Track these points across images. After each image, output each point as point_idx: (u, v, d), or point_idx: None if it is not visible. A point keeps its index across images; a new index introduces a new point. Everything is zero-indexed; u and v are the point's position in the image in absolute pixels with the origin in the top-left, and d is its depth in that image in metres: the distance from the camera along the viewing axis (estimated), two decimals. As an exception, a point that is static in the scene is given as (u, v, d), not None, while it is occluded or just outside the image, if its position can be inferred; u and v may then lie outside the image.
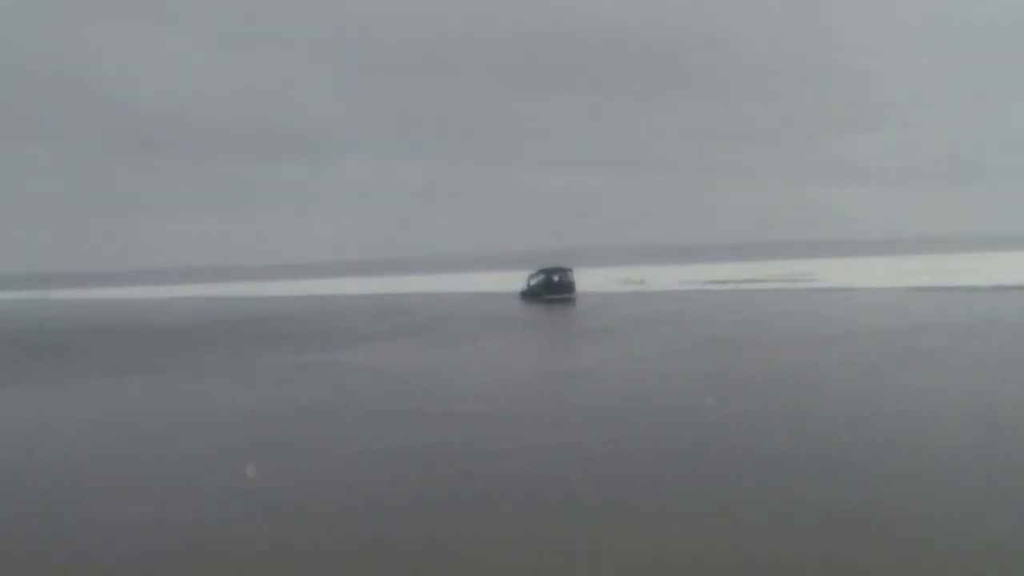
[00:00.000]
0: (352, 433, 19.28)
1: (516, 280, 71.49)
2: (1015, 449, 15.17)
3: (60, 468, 17.25)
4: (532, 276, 70.30)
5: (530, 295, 67.40)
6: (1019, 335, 33.19)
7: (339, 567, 11.15)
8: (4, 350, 44.13)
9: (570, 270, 70.86)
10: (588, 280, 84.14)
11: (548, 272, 70.19)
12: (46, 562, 11.78)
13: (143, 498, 14.41)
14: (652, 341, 35.42)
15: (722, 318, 45.00)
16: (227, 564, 11.38)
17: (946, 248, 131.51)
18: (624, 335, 38.13)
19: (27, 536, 12.94)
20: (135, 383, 29.59)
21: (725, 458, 15.49)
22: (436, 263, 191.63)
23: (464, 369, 30.12)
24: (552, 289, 67.56)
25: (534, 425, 19.05)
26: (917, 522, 11.68)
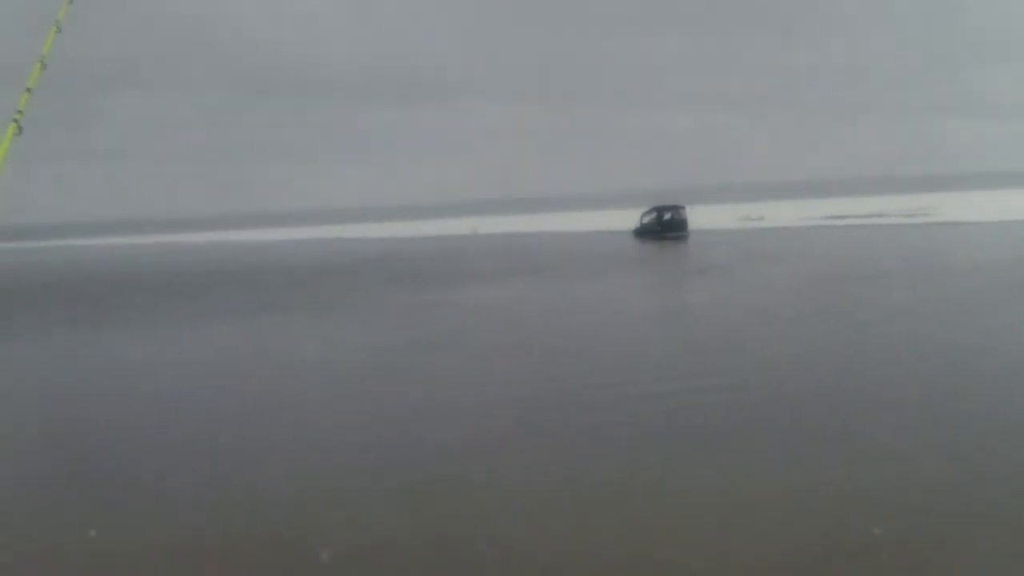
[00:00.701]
0: (475, 369, 20.69)
1: (631, 219, 71.73)
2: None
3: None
4: (644, 214, 70.25)
5: (643, 233, 67.68)
6: None
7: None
8: (150, 293, 46.35)
9: (682, 207, 70.39)
10: (707, 217, 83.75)
11: (660, 210, 69.91)
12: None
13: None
14: (757, 278, 36.15)
15: (833, 253, 45.37)
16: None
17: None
18: (730, 272, 38.86)
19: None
20: (281, 322, 31.75)
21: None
22: (558, 203, 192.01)
23: (571, 307, 31.04)
24: (664, 226, 67.26)
25: (642, 365, 19.96)
26: None
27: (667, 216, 68.78)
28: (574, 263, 48.40)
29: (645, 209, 71.88)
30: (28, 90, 8.45)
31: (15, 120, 7.85)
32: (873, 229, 63.77)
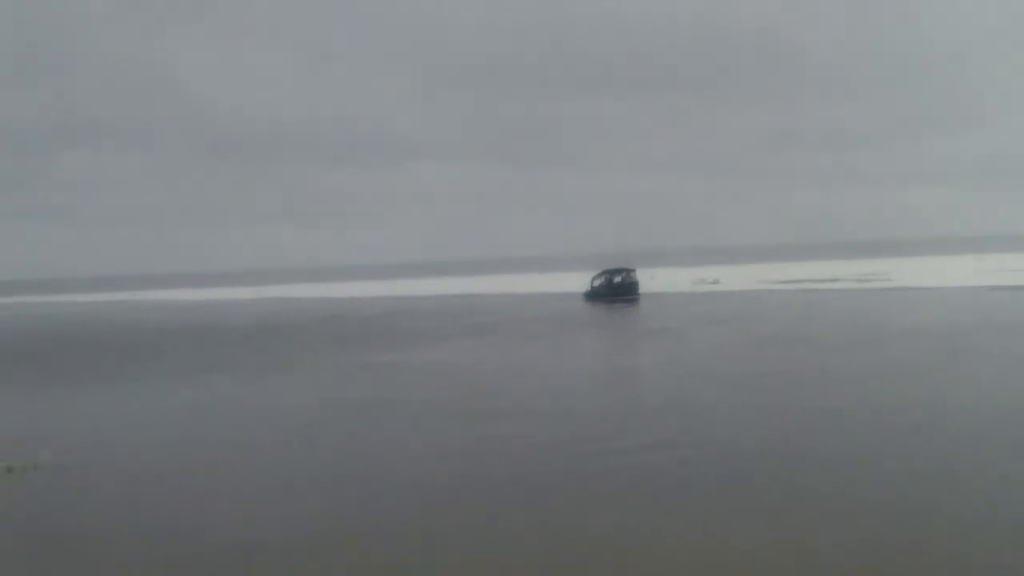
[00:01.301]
0: (416, 427, 20.69)
1: (584, 281, 71.72)
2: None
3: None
4: (595, 277, 70.50)
5: (594, 296, 67.67)
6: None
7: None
8: (99, 350, 45.42)
9: (633, 271, 70.96)
10: (661, 280, 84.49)
11: (611, 273, 70.47)
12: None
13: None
14: (708, 341, 35.94)
15: (784, 317, 45.32)
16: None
17: (1015, 247, 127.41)
18: (680, 335, 38.74)
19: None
20: (215, 381, 31.15)
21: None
22: (508, 264, 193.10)
23: (522, 368, 31.03)
24: (615, 290, 67.67)
25: (589, 422, 20.21)
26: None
27: (617, 279, 69.26)
28: (523, 325, 48.15)
29: (596, 272, 72.05)
30: None
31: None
32: (827, 293, 64.03)
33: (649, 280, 76.05)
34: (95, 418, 24.76)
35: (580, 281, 72.94)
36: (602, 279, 69.71)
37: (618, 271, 70.92)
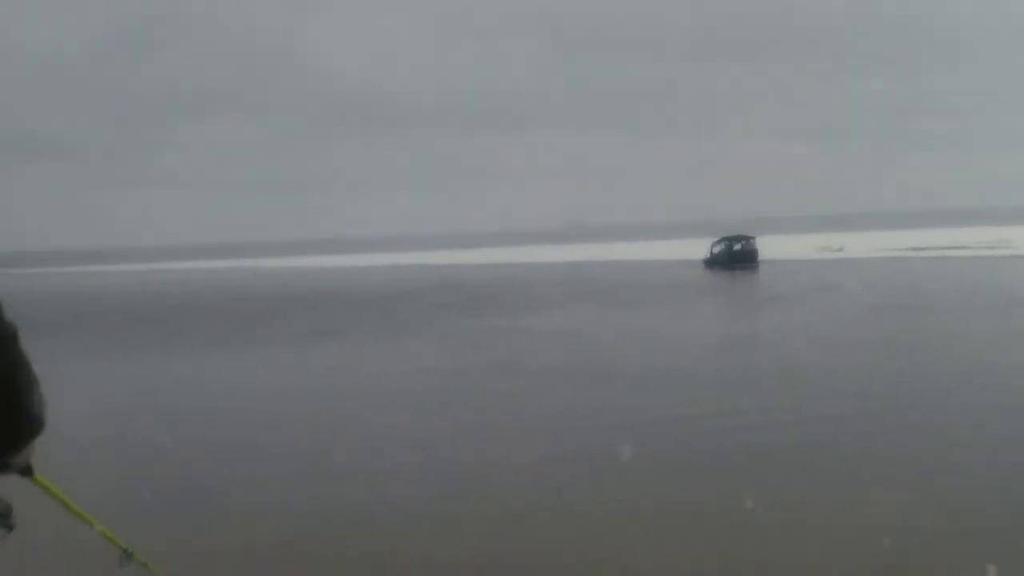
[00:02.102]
0: (545, 390, 21.18)
1: (703, 248, 72.06)
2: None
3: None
4: (715, 244, 70.86)
5: (713, 263, 68.26)
6: None
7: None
8: (233, 317, 47.75)
9: (752, 238, 71.19)
10: (784, 247, 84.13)
11: (730, 240, 70.91)
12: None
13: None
14: (827, 307, 36.51)
15: (908, 284, 45.40)
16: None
17: None
18: (800, 301, 39.40)
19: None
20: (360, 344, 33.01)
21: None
22: (628, 232, 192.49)
23: (641, 333, 31.77)
24: (734, 257, 68.17)
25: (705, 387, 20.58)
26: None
27: (737, 247, 69.85)
28: (642, 291, 48.92)
29: (715, 239, 72.44)
30: None
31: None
32: (954, 261, 63.50)
33: (772, 247, 76.19)
34: (234, 382, 26.32)
35: (700, 248, 73.35)
36: (722, 246, 70.20)
37: (738, 238, 71.29)
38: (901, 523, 10.92)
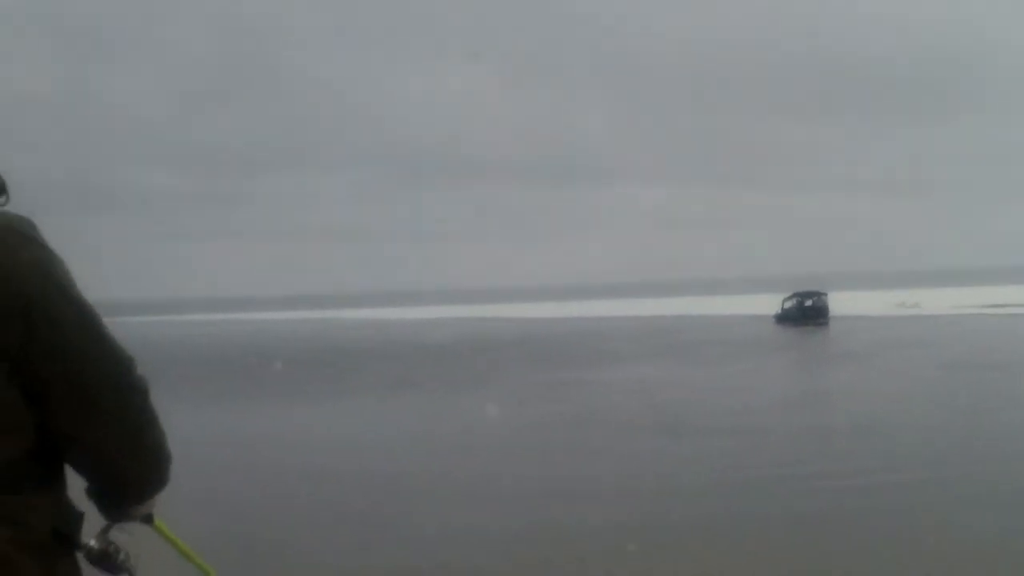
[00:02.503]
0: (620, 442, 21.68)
1: (775, 304, 72.00)
2: None
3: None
4: (786, 299, 70.77)
5: (784, 319, 68.27)
6: None
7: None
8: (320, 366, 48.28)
9: (824, 294, 70.91)
10: (859, 304, 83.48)
11: (801, 296, 70.71)
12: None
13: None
14: (899, 366, 36.50)
15: (984, 343, 45.15)
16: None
17: None
18: (872, 359, 39.38)
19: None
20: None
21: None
22: (699, 286, 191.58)
23: (712, 387, 32.16)
24: (806, 313, 68.10)
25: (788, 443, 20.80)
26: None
27: (808, 303, 69.54)
28: (713, 346, 49.32)
29: (787, 295, 72.21)
30: None
31: None
32: None
33: (846, 303, 75.87)
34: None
35: (771, 303, 73.27)
36: (793, 302, 70.09)
37: (809, 294, 70.98)
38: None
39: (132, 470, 2.24)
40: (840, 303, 73.45)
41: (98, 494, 2.29)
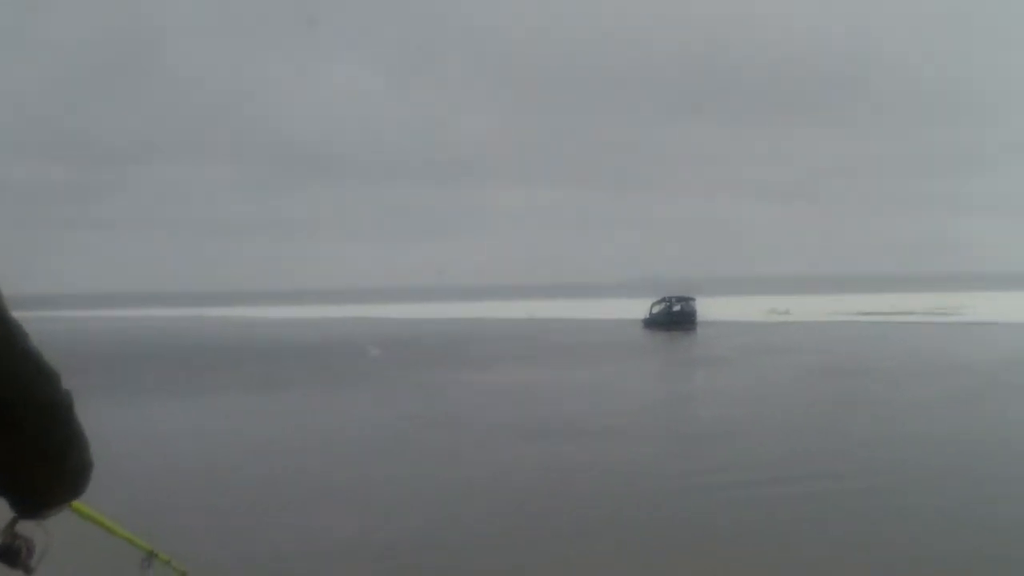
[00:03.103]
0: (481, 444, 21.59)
1: (645, 308, 72.20)
2: None
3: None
4: (654, 304, 71.31)
5: (652, 323, 68.55)
6: None
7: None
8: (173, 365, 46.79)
9: (692, 299, 71.53)
10: (731, 309, 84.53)
11: (670, 301, 71.31)
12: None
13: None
14: (760, 371, 36.71)
15: (847, 349, 45.86)
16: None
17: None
18: (734, 364, 39.64)
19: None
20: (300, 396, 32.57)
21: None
22: (574, 289, 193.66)
23: (574, 390, 32.11)
24: (673, 318, 68.42)
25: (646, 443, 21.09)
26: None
27: (676, 308, 70.15)
28: (581, 349, 49.31)
29: (655, 300, 72.78)
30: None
31: None
32: (898, 326, 64.39)
33: (718, 309, 76.85)
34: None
35: (642, 308, 73.34)
36: (661, 307, 70.67)
37: (678, 299, 71.62)
38: None
39: (52, 491, 2.13)
40: (712, 308, 74.36)
41: (10, 498, 2.13)
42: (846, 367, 36.28)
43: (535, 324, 79.00)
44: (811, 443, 20.33)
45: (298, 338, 67.23)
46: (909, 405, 25.69)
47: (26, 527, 2.24)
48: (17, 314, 1.96)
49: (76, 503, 2.48)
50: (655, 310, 70.49)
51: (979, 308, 79.15)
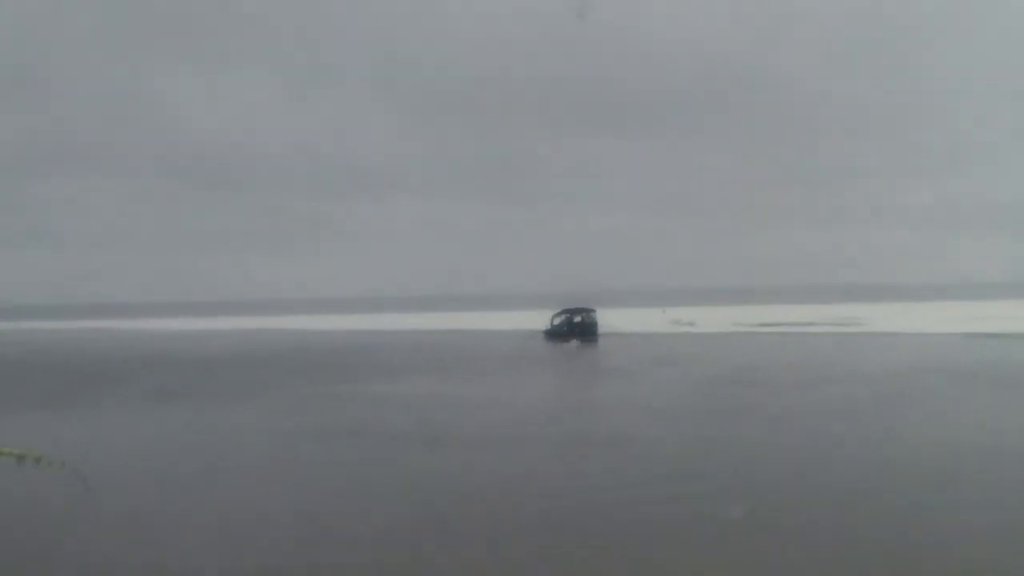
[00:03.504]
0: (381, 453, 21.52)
1: (547, 319, 72.12)
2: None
3: None
4: (555, 315, 71.67)
5: (553, 334, 68.70)
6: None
7: None
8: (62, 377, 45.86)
9: (593, 311, 71.98)
10: (635, 320, 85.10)
11: (571, 312, 71.70)
12: None
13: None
14: (658, 381, 36.96)
15: (745, 359, 46.20)
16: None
17: (994, 295, 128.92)
18: (633, 374, 39.61)
19: None
20: (178, 408, 31.90)
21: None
22: (477, 301, 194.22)
23: (473, 401, 32.17)
24: (574, 329, 68.74)
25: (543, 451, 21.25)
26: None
27: (577, 319, 70.44)
28: (481, 361, 49.24)
29: (556, 311, 73.10)
30: None
31: None
32: (800, 337, 65.24)
33: (622, 320, 77.10)
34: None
35: (544, 319, 73.17)
36: (562, 318, 70.92)
37: (579, 311, 72.05)
38: None
39: None
40: (617, 319, 75.30)
41: None
42: (739, 377, 36.44)
43: (436, 336, 78.73)
44: (689, 460, 20.06)
45: (199, 350, 66.36)
46: (791, 415, 25.66)
47: None
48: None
49: None
50: (556, 321, 70.72)
51: (881, 319, 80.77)
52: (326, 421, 27.09)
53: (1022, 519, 14.50)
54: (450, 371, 43.76)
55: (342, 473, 19.29)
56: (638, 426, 24.43)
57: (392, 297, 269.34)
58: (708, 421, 24.96)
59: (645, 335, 70.43)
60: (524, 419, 26.98)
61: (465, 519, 15.03)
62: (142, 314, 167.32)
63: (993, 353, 45.37)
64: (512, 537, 13.90)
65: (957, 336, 57.82)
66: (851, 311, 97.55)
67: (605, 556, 12.89)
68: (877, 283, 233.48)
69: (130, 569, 12.87)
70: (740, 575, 12.15)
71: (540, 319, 75.25)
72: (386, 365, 48.00)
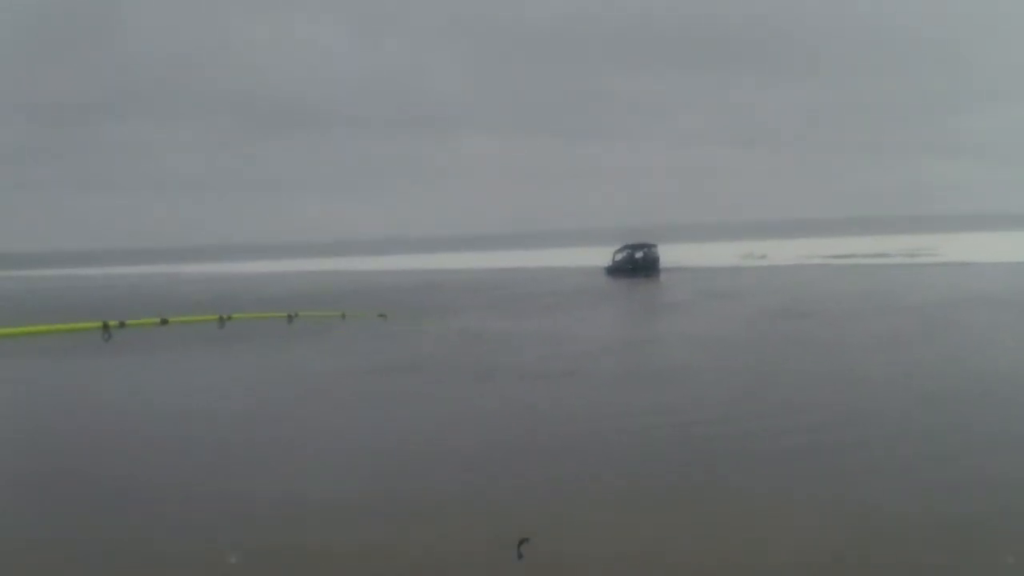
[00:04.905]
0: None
1: (608, 256, 72.46)
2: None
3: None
4: (617, 252, 72.25)
5: (614, 271, 69.33)
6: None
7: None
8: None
9: (654, 246, 72.28)
10: (708, 254, 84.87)
11: (632, 248, 72.33)
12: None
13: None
14: (717, 314, 36.95)
15: (811, 292, 46.00)
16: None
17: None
18: (691, 308, 39.91)
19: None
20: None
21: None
22: (547, 238, 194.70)
23: (534, 336, 32.07)
24: (636, 265, 69.56)
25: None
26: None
27: (639, 255, 71.14)
28: (544, 298, 49.38)
29: (618, 247, 73.69)
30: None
31: None
32: (872, 268, 65.29)
33: (692, 254, 77.61)
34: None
35: (608, 256, 73.34)
36: (624, 254, 71.60)
37: (640, 246, 72.51)
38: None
39: None
40: (687, 255, 74.92)
41: None
42: (799, 309, 36.38)
43: (499, 274, 79.38)
44: (750, 387, 20.01)
45: (265, 292, 66.48)
46: (853, 347, 25.48)
47: None
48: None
49: None
50: (617, 258, 71.31)
51: (954, 249, 79.72)
52: (403, 356, 27.54)
53: None
54: (514, 307, 44.47)
55: (416, 406, 19.56)
56: (691, 359, 24.46)
57: (459, 235, 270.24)
58: (759, 355, 24.73)
59: (712, 269, 70.56)
60: (574, 354, 26.95)
61: (557, 439, 15.43)
62: (213, 258, 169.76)
63: None
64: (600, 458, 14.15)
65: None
66: (924, 241, 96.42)
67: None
68: (954, 213, 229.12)
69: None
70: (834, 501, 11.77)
71: (606, 256, 75.57)
72: (452, 303, 48.47)
